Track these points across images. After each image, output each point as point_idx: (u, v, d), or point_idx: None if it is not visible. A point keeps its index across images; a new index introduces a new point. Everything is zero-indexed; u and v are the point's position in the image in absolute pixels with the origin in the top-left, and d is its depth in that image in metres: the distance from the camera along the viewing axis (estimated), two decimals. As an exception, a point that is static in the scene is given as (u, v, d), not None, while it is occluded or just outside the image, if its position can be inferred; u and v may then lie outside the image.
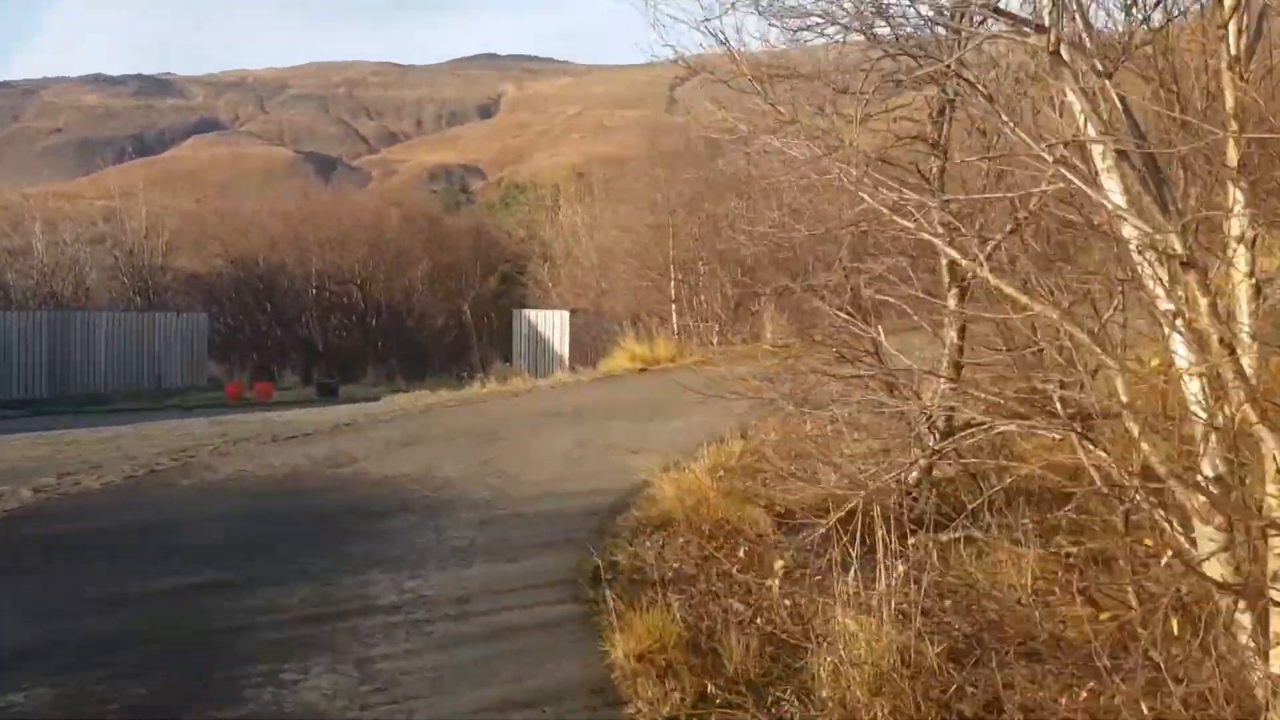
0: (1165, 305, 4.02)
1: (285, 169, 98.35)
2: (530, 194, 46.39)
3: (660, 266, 21.05)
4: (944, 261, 7.93)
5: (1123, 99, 4.03)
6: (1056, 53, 4.02)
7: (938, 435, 7.85)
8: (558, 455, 10.81)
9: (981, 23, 5.42)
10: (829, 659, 4.68)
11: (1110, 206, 4.06)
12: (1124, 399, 4.41)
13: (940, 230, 6.25)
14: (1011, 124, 4.46)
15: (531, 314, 27.08)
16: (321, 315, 36.82)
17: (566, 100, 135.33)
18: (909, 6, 5.72)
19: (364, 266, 37.18)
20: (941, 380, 7.59)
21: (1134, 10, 4.37)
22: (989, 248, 6.39)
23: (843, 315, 8.13)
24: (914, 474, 8.06)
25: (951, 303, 7.95)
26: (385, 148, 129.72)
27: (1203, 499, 3.97)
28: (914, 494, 8.04)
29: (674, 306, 21.09)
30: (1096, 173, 4.20)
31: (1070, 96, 4.19)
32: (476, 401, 15.82)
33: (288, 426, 13.13)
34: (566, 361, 23.49)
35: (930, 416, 7.79)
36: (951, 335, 8.31)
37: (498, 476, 9.80)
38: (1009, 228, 6.72)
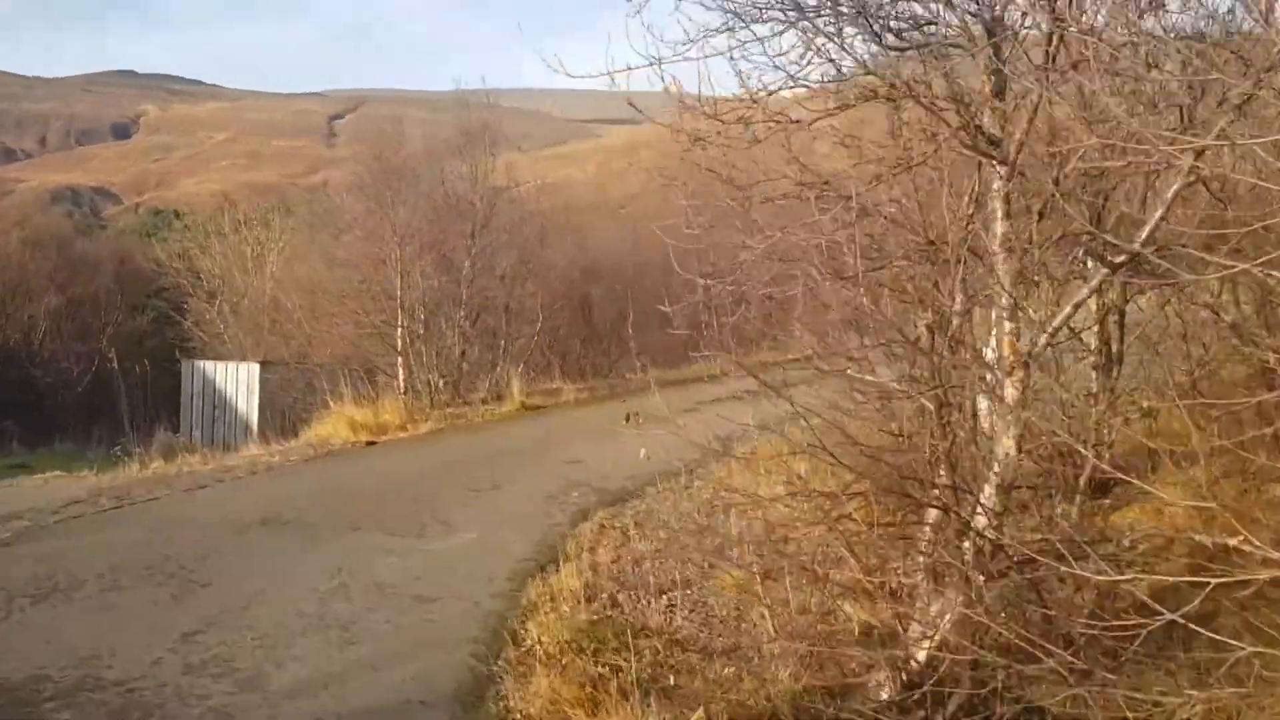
0: None
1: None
2: (189, 219, 39.68)
3: (386, 310, 16.95)
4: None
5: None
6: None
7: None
8: (306, 619, 6.73)
9: None
10: None
11: None
12: None
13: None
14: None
15: (208, 366, 21.48)
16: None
17: (216, 125, 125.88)
18: None
19: (-34, 299, 29.50)
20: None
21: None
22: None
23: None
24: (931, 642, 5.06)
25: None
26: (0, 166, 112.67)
27: None
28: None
29: (400, 360, 17.04)
30: None
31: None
32: (140, 498, 11.00)
33: None
34: (255, 429, 18.61)
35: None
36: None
37: (220, 675, 5.68)
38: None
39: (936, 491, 5.21)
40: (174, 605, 6.94)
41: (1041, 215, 4.08)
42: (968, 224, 4.87)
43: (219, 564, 8.02)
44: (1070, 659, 4.20)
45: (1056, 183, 4.08)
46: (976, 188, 4.97)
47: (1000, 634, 4.60)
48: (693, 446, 11.00)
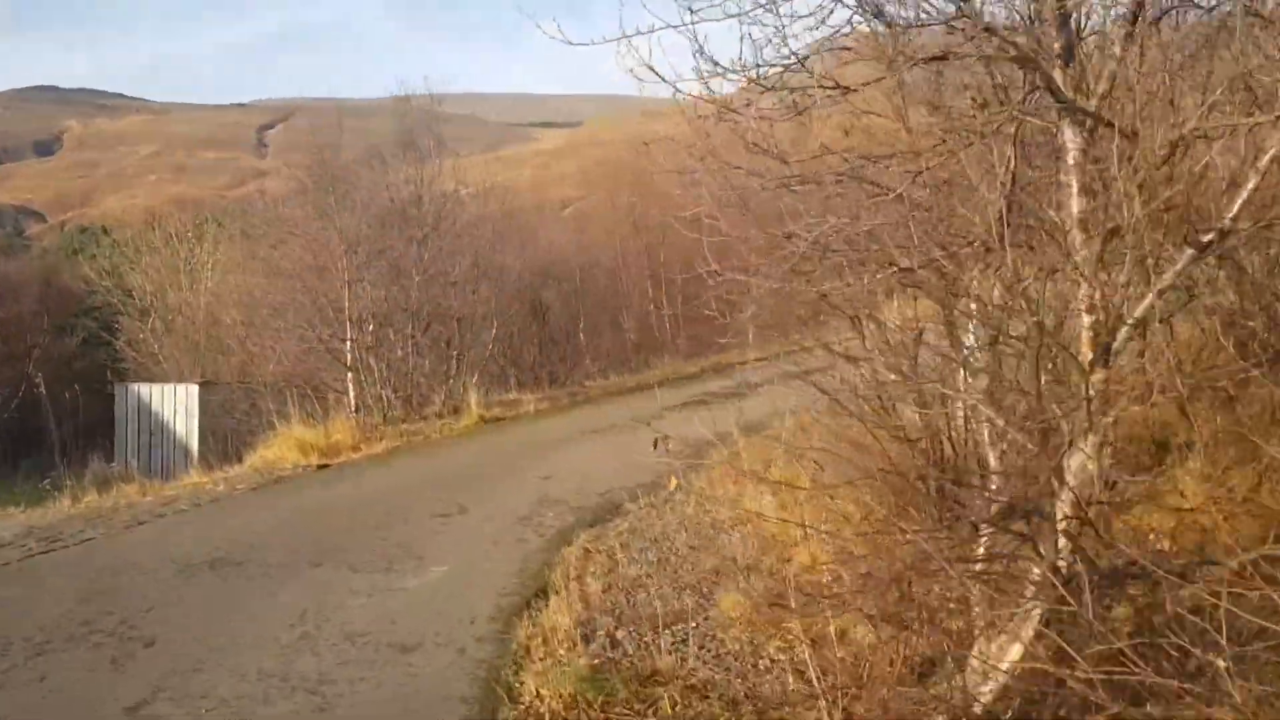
0: None
1: None
2: (118, 235, 38.05)
3: (333, 322, 16.01)
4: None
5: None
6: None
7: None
8: (269, 681, 5.89)
9: None
10: None
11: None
12: None
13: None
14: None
15: (143, 389, 20.13)
16: None
17: (141, 139, 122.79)
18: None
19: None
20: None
21: None
22: None
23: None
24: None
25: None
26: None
27: None
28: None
29: (350, 376, 16.12)
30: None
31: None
32: (73, 539, 10.02)
33: None
34: (196, 454, 17.53)
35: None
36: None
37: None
38: None
39: (993, 509, 4.60)
40: (115, 672, 6.08)
41: (1141, 188, 3.46)
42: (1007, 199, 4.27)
43: (165, 616, 7.15)
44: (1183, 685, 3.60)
45: (1154, 152, 3.47)
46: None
47: (1077, 671, 3.99)
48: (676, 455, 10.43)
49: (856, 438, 8.94)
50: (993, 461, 4.85)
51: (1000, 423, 4.22)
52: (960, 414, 8.06)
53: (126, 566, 8.60)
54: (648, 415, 16.59)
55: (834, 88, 3.81)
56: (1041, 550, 4.24)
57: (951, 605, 4.61)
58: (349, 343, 15.94)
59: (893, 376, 7.51)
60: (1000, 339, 4.48)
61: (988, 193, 3.88)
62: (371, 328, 16.42)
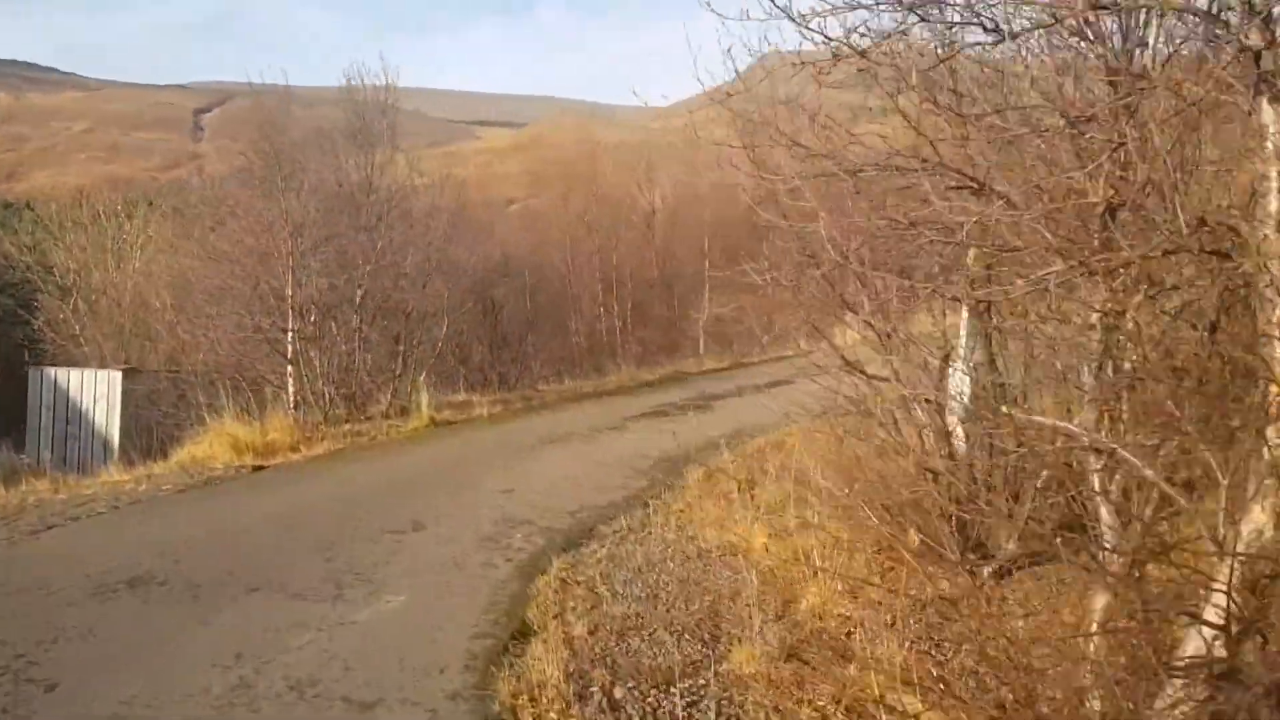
0: None
1: None
2: (42, 210, 35.96)
3: (274, 310, 14.79)
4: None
5: None
6: None
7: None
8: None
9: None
10: None
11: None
12: None
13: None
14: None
15: (60, 374, 18.43)
16: None
17: (73, 115, 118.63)
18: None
19: None
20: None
21: None
22: None
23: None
24: None
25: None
26: None
27: None
28: None
29: (291, 369, 14.93)
30: None
31: None
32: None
33: None
34: (117, 448, 16.15)
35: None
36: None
37: None
38: None
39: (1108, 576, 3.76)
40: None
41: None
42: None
43: (71, 653, 6.04)
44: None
45: None
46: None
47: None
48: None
49: (864, 461, 8.13)
50: (1105, 515, 4.00)
51: (1147, 472, 3.36)
52: (961, 436, 7.28)
53: (30, 585, 7.43)
54: (609, 424, 15.71)
55: (994, 29, 2.95)
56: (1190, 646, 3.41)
57: (1056, 695, 3.73)
58: (290, 333, 14.74)
59: (926, 398, 6.69)
60: (1135, 362, 3.64)
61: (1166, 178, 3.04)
62: (314, 318, 15.23)
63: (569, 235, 39.92)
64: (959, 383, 6.88)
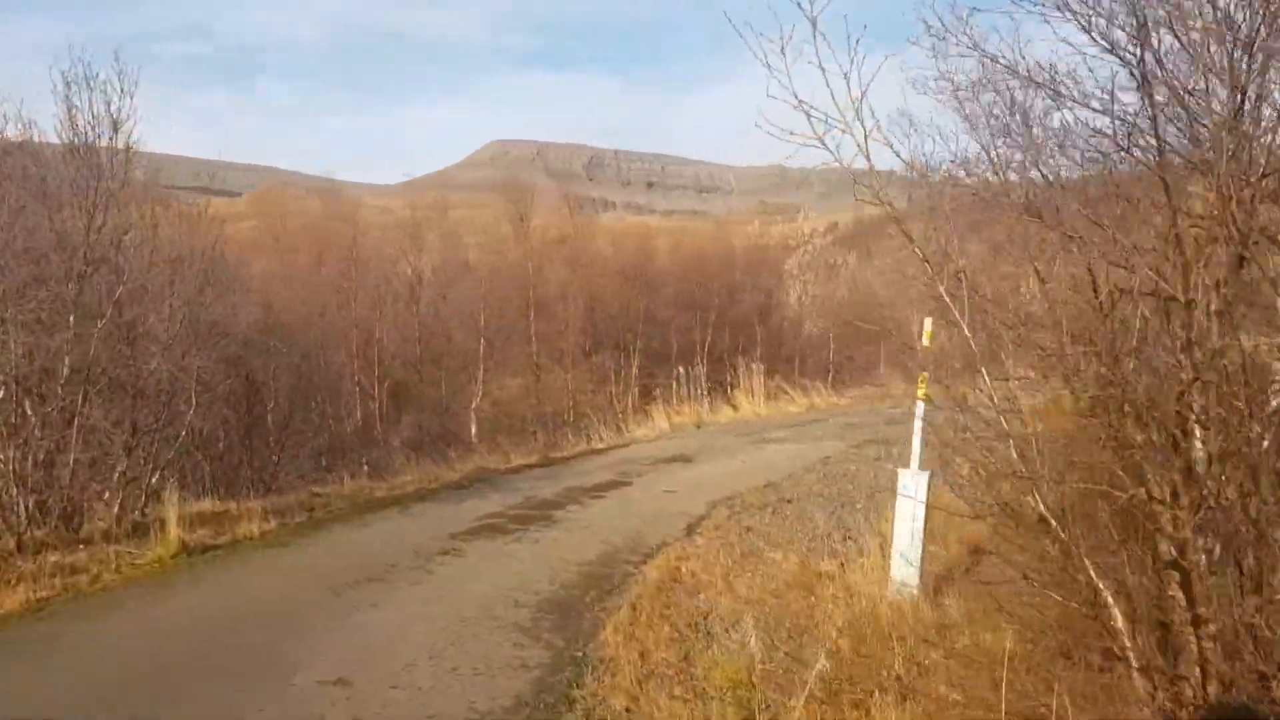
0: None
1: None
2: None
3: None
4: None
5: None
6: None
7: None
8: None
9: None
10: None
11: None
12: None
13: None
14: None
15: None
16: None
17: None
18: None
19: None
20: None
21: None
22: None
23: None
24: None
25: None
26: None
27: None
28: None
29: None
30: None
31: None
32: None
33: None
34: None
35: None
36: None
37: None
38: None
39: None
40: None
41: None
42: None
43: None
44: None
45: None
46: None
47: None
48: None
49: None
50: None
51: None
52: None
53: None
54: (437, 546, 11.57)
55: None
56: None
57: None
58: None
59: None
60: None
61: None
62: (3, 394, 10.37)
63: (323, 304, 35.10)
64: None
